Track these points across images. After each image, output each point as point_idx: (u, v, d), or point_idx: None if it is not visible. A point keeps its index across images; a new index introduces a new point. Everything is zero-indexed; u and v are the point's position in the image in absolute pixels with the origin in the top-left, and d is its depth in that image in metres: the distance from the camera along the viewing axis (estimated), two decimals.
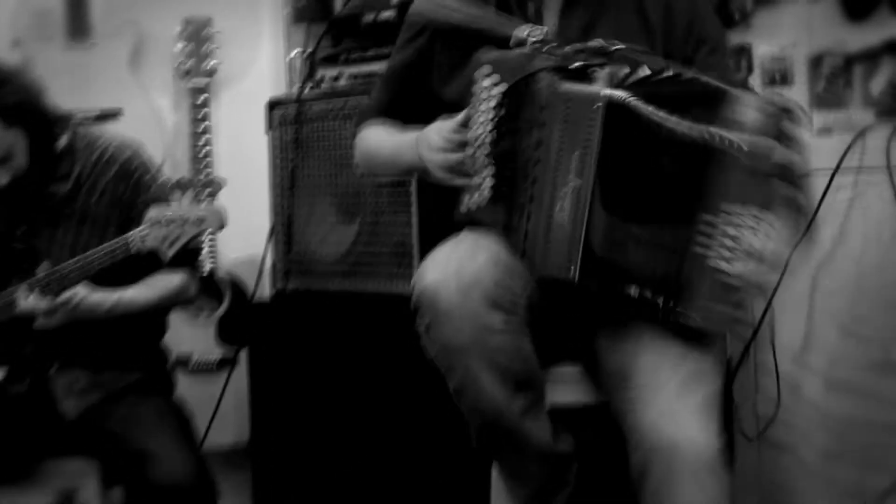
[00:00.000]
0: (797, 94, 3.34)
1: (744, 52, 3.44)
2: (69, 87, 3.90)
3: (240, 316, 3.86)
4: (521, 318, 2.02)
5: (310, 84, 3.43)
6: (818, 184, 2.96)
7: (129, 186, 2.70)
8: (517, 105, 2.01)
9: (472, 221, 2.10)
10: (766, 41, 3.44)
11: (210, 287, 3.85)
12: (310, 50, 3.53)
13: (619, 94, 1.91)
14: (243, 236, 3.46)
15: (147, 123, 4.05)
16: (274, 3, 4.34)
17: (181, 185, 3.86)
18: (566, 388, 2.29)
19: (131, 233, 2.49)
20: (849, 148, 2.98)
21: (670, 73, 2.01)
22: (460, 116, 2.07)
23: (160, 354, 2.88)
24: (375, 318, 3.08)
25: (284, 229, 3.36)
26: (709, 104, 1.93)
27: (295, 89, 3.49)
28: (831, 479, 3.06)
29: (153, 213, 2.49)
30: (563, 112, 1.95)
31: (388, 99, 2.46)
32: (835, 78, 3.31)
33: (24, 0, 4.08)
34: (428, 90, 2.35)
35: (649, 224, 1.97)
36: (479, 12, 2.24)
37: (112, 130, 3.43)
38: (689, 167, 1.92)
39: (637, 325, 2.07)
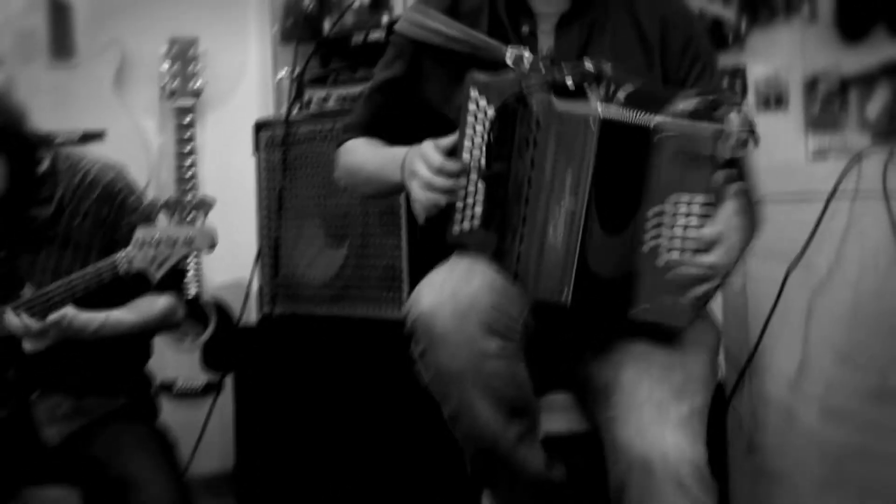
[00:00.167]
0: (792, 116, 3.36)
1: (738, 73, 3.46)
2: (52, 107, 3.92)
3: (225, 341, 3.86)
4: (517, 344, 2.02)
5: (298, 105, 3.43)
6: (813, 208, 2.98)
7: (112, 209, 2.69)
8: (510, 126, 2.02)
9: (462, 246, 2.11)
10: (760, 63, 3.46)
11: (195, 311, 3.84)
12: (298, 70, 3.54)
13: (612, 110, 1.94)
14: (229, 259, 3.45)
15: (131, 145, 4.05)
16: (261, 22, 4.35)
17: (169, 206, 3.86)
18: (558, 417, 2.30)
19: (118, 254, 2.49)
20: (845, 172, 2.98)
21: (652, 89, 2.07)
22: (448, 142, 2.08)
23: (144, 379, 2.87)
24: (364, 343, 3.08)
25: (271, 252, 3.37)
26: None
27: (283, 110, 3.50)
28: None
29: (141, 233, 2.49)
30: (557, 131, 1.96)
31: (372, 115, 2.46)
32: (830, 101, 3.33)
33: (7, 19, 4.09)
34: (415, 107, 2.36)
35: (624, 229, 2.00)
36: (466, 32, 2.25)
37: (95, 152, 3.44)
38: (640, 160, 1.96)
39: (623, 340, 2.09)
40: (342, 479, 3.11)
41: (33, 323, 2.49)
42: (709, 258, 1.96)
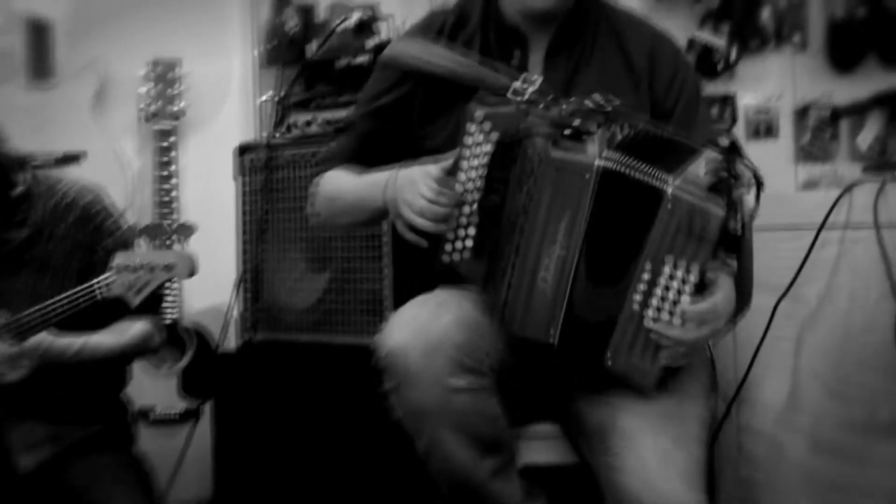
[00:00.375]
0: (782, 146, 3.39)
1: (728, 101, 3.49)
2: (30, 128, 3.92)
3: (204, 367, 3.85)
4: (489, 379, 2.04)
5: (281, 129, 3.45)
6: (803, 239, 3.00)
7: (90, 232, 2.70)
8: (507, 161, 2.03)
9: (452, 273, 2.12)
10: (750, 91, 3.49)
11: (173, 337, 3.83)
12: (281, 94, 3.55)
13: (611, 158, 1.95)
14: (208, 285, 3.45)
15: (110, 167, 4.05)
16: (244, 44, 4.34)
17: (148, 231, 3.86)
18: (542, 447, 2.31)
19: (97, 279, 2.49)
20: (835, 203, 3.00)
21: (655, 131, 2.06)
22: (447, 164, 2.08)
23: (120, 406, 2.86)
24: (346, 370, 3.06)
25: (252, 278, 3.37)
26: (674, 157, 1.99)
27: (265, 134, 3.50)
28: None
29: (120, 259, 2.49)
30: (554, 179, 1.98)
31: (358, 145, 2.45)
32: (821, 131, 3.36)
33: None
34: (404, 136, 2.36)
35: (614, 279, 2.01)
36: (466, 61, 2.27)
37: (73, 174, 3.44)
38: (641, 217, 1.96)
39: (616, 384, 2.09)
40: None
41: (8, 348, 2.50)
42: (689, 335, 1.98)
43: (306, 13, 4.12)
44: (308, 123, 3.41)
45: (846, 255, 2.98)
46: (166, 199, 3.91)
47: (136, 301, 2.49)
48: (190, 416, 3.82)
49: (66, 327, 2.56)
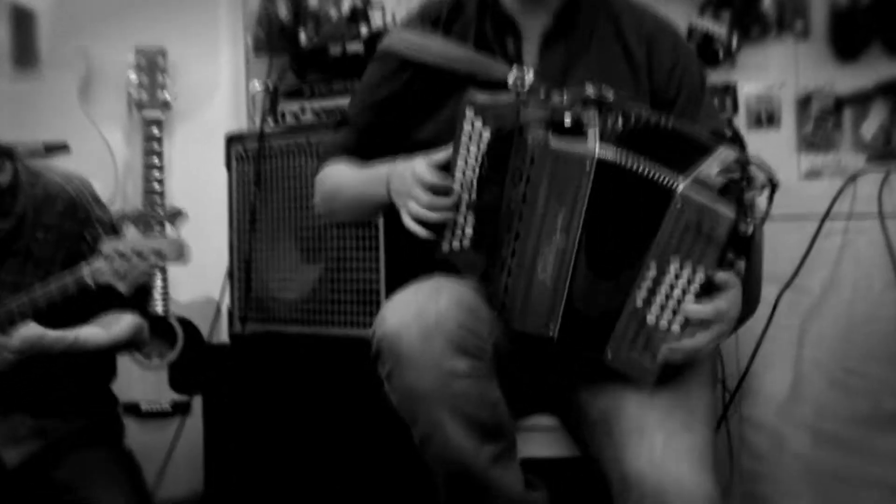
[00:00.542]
0: (784, 135, 3.39)
1: (728, 91, 3.49)
2: (15, 118, 3.92)
3: (194, 361, 3.85)
4: (488, 364, 2.04)
5: (272, 118, 3.45)
6: (806, 230, 3.00)
7: (76, 223, 2.70)
8: (504, 153, 2.02)
9: (450, 265, 2.13)
10: (751, 80, 3.49)
11: (162, 330, 3.84)
12: (272, 82, 3.55)
13: (609, 150, 1.93)
14: (197, 277, 3.46)
15: (97, 157, 4.03)
16: (233, 32, 4.34)
17: (137, 219, 3.85)
18: (541, 440, 2.31)
19: (85, 267, 2.50)
20: (839, 193, 3.01)
21: (658, 122, 2.06)
22: (441, 156, 2.09)
23: (108, 400, 2.87)
24: (339, 363, 3.08)
25: (243, 270, 3.37)
26: (683, 152, 1.98)
27: (256, 123, 3.50)
28: None
29: (108, 246, 2.50)
30: (552, 170, 1.96)
31: (357, 138, 2.46)
32: (824, 120, 3.37)
33: None
34: (402, 128, 2.37)
35: (616, 275, 2.01)
36: (463, 52, 2.28)
37: (59, 164, 3.44)
38: (648, 214, 1.95)
39: (618, 375, 2.08)
40: (315, 503, 3.12)
41: None
42: (691, 342, 1.97)
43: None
44: (299, 112, 3.42)
45: (850, 245, 2.99)
46: (155, 189, 3.91)
47: (125, 288, 2.49)
48: (179, 409, 3.82)
49: (53, 320, 2.56)
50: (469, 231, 2.09)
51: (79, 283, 2.50)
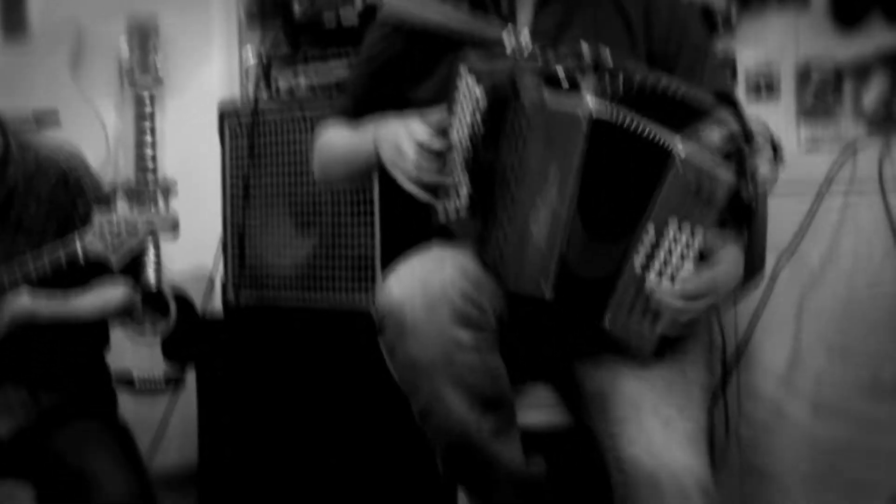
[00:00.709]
0: (784, 105, 3.38)
1: (728, 61, 3.49)
2: (4, 88, 3.91)
3: (187, 332, 3.85)
4: (491, 335, 2.04)
5: (265, 90, 3.44)
6: (805, 200, 3.01)
7: (67, 194, 2.71)
8: (499, 113, 2.02)
9: (448, 231, 2.13)
10: (751, 50, 3.48)
11: (155, 301, 3.83)
12: (265, 53, 3.54)
13: (604, 109, 1.93)
14: (191, 248, 3.45)
15: (88, 129, 4.04)
16: (226, 2, 4.31)
17: (128, 191, 3.84)
18: (537, 409, 2.32)
19: (76, 239, 2.51)
20: (839, 164, 3.01)
21: (657, 82, 2.04)
22: (436, 117, 2.09)
23: (101, 371, 2.88)
24: (334, 334, 3.09)
25: (237, 241, 3.38)
26: (683, 115, 1.98)
27: (249, 95, 3.50)
28: None
29: (99, 217, 2.50)
30: (546, 128, 1.96)
31: (355, 103, 2.47)
32: (824, 90, 3.36)
33: None
34: (397, 93, 2.38)
35: (613, 237, 2.02)
36: (458, 13, 2.28)
37: (50, 136, 3.44)
38: (646, 176, 1.95)
39: (614, 350, 2.10)
40: (310, 476, 3.13)
41: None
42: (690, 306, 1.99)
43: None
44: (293, 84, 3.41)
45: (850, 216, 3.00)
46: (147, 161, 3.90)
47: (115, 260, 2.50)
48: (173, 382, 3.82)
49: (44, 289, 2.58)
50: (464, 192, 2.08)
51: (70, 256, 2.50)
